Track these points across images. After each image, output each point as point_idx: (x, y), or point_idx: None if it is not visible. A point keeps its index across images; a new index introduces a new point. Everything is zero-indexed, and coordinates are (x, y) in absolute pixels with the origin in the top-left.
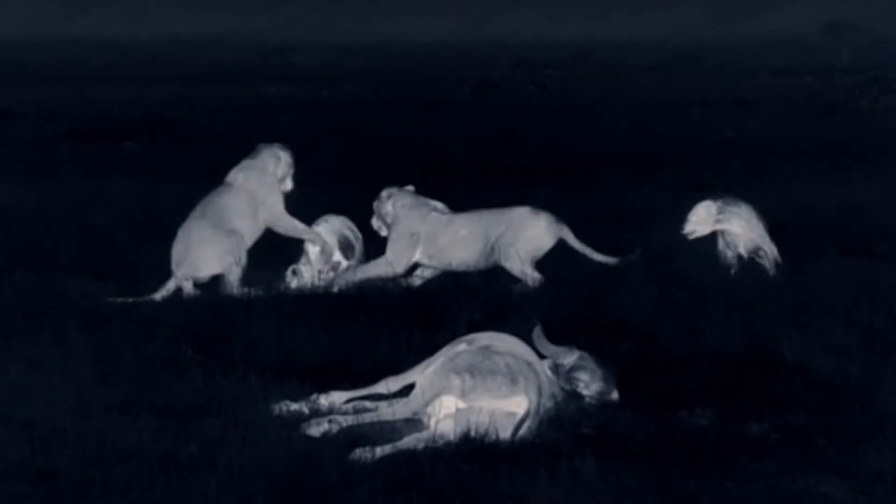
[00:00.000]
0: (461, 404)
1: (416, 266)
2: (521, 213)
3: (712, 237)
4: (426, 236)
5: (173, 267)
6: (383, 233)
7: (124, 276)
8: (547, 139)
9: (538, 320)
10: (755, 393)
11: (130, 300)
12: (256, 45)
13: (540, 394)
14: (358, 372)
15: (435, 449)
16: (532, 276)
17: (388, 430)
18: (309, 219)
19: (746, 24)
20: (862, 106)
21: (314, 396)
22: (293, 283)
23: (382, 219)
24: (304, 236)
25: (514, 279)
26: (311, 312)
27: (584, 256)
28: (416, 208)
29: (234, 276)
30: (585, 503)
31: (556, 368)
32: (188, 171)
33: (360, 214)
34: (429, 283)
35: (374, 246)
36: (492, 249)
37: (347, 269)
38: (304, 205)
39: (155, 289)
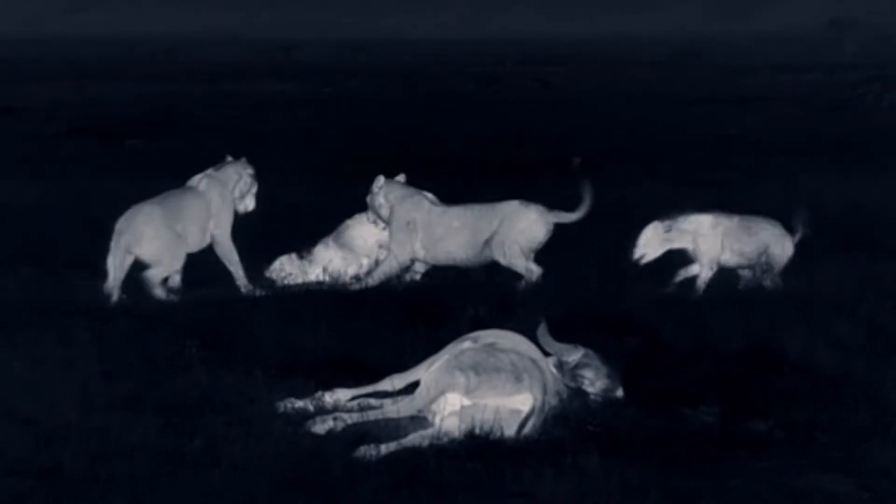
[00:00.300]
0: (466, 402)
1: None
2: (513, 207)
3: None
4: (422, 224)
5: (113, 238)
6: (380, 226)
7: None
8: (549, 135)
9: (543, 318)
10: (759, 390)
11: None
12: (260, 41)
13: (545, 391)
14: (362, 369)
15: (440, 446)
16: (534, 270)
17: (393, 428)
18: (315, 216)
19: (749, 20)
20: (866, 102)
21: (319, 394)
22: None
23: (377, 212)
24: (233, 268)
25: (516, 276)
26: (316, 309)
27: (586, 254)
28: (409, 197)
29: (160, 271)
30: (590, 499)
31: (560, 366)
32: (191, 167)
33: (362, 210)
34: (433, 280)
35: None
36: (484, 244)
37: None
38: (306, 202)
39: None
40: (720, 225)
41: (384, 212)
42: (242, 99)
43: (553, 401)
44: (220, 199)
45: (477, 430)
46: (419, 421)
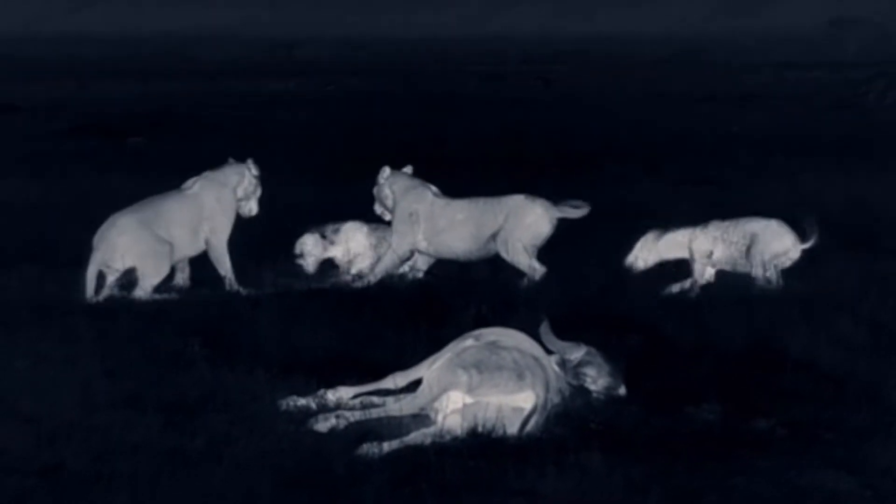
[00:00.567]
0: (468, 399)
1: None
2: (518, 201)
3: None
4: (425, 216)
5: (93, 251)
6: (387, 217)
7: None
8: (552, 133)
9: (545, 315)
10: (761, 388)
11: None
12: (262, 39)
13: (547, 389)
14: (365, 367)
15: (442, 444)
16: (537, 268)
17: (396, 426)
18: (316, 215)
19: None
20: (869, 101)
21: (321, 391)
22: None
23: (383, 203)
24: (222, 272)
25: (519, 273)
26: (318, 307)
27: (589, 252)
28: (413, 189)
29: (148, 281)
30: (592, 497)
31: (563, 364)
32: (193, 165)
33: (365, 208)
34: (435, 278)
35: None
36: (487, 238)
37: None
38: (307, 200)
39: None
40: (710, 226)
41: (389, 203)
42: (244, 97)
43: (555, 399)
44: (217, 201)
45: (479, 428)
46: (421, 419)
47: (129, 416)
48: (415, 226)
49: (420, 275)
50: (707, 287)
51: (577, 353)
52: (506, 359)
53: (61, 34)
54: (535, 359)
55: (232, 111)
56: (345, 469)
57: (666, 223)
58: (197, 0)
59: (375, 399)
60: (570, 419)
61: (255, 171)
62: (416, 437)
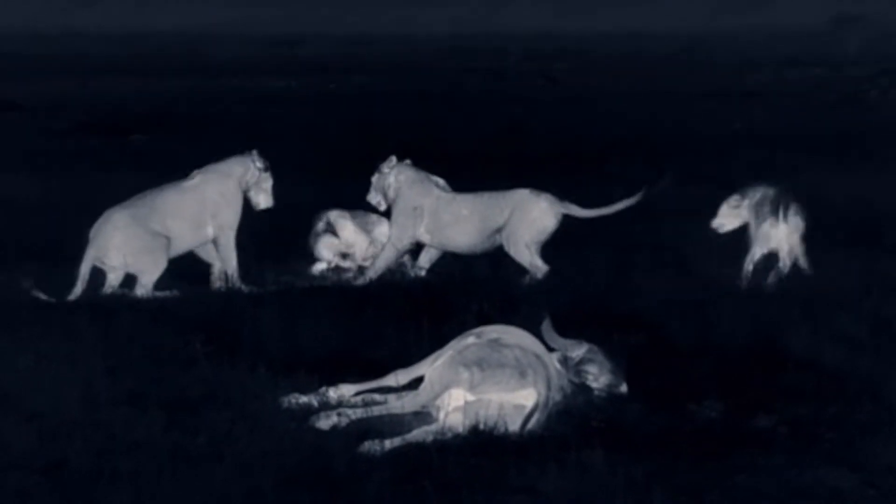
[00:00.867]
0: (470, 397)
1: (419, 247)
2: (523, 196)
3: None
4: (429, 211)
5: (88, 246)
6: (382, 207)
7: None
8: (555, 131)
9: (547, 313)
10: (763, 385)
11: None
12: (263, 37)
13: (549, 387)
14: (367, 364)
15: (444, 442)
16: (540, 267)
17: (398, 423)
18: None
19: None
20: (871, 98)
21: (323, 389)
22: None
23: (383, 192)
24: (228, 270)
25: (521, 270)
26: (320, 305)
27: (591, 249)
28: (420, 183)
29: (147, 277)
30: (594, 495)
31: (564, 361)
32: (195, 163)
33: (366, 206)
34: (437, 275)
35: None
36: (492, 232)
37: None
38: (310, 197)
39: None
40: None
41: (391, 193)
42: (246, 95)
43: (557, 396)
44: (220, 195)
45: (481, 426)
46: (423, 416)
47: (130, 414)
48: (417, 220)
49: (422, 273)
50: (711, 283)
51: (578, 350)
52: (507, 356)
53: (63, 32)
54: (537, 356)
55: (234, 109)
56: (346, 466)
57: (672, 216)
58: None
59: (377, 396)
60: (571, 417)
61: (259, 164)
62: (417, 434)
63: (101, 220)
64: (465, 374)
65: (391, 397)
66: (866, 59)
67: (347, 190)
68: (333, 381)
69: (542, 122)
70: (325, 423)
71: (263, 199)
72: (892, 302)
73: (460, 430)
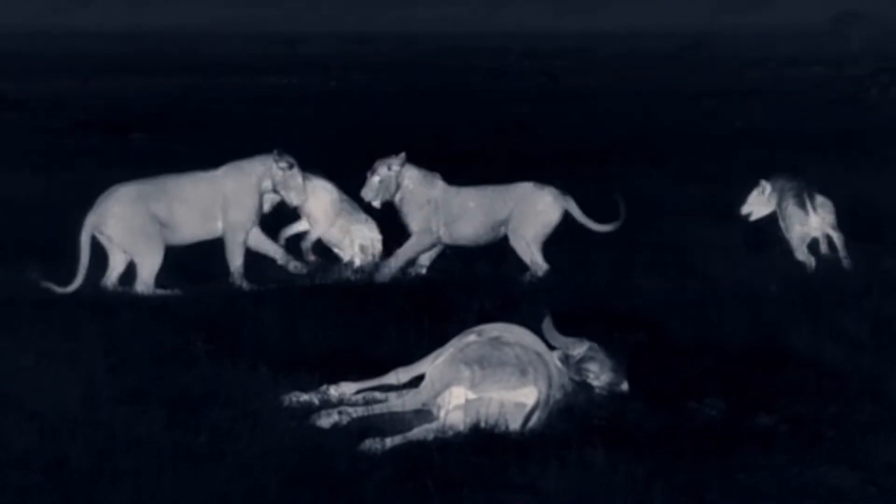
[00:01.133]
0: (471, 395)
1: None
2: (527, 189)
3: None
4: (441, 203)
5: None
6: (376, 203)
7: (131, 266)
8: (556, 128)
9: (548, 311)
10: (764, 384)
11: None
12: (264, 35)
13: (549, 385)
14: (368, 362)
15: (445, 440)
16: (541, 265)
17: (398, 421)
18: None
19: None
20: (872, 96)
21: (324, 387)
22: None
23: (386, 189)
24: (232, 268)
25: (521, 268)
26: (321, 303)
27: (592, 247)
28: (425, 177)
29: (144, 268)
30: (595, 493)
31: (565, 359)
32: (196, 161)
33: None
34: (438, 274)
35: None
36: (497, 225)
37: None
38: None
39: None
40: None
41: (391, 189)
42: (247, 93)
43: (558, 394)
44: (233, 192)
45: (482, 424)
46: (424, 414)
47: (131, 413)
48: (434, 212)
49: (423, 271)
50: (712, 281)
51: (579, 348)
52: (508, 354)
53: (64, 30)
54: (538, 354)
55: (234, 107)
56: (347, 465)
57: (673, 214)
58: None
59: (378, 395)
60: (572, 415)
61: (282, 163)
62: (418, 432)
63: (107, 192)
64: (466, 373)
65: (392, 395)
66: (867, 57)
67: (348, 188)
68: (334, 380)
69: (542, 120)
70: (325, 421)
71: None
72: (892, 301)
73: (461, 428)
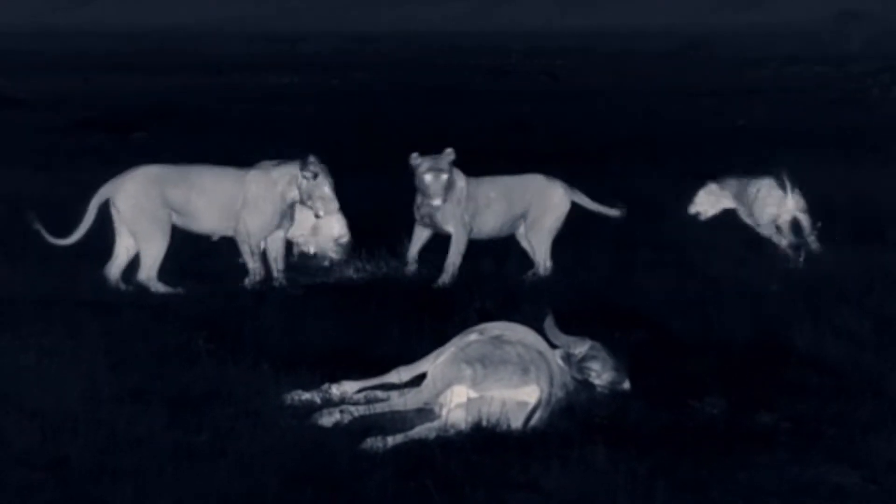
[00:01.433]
0: (473, 394)
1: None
2: (540, 182)
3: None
4: (468, 195)
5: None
6: (441, 203)
7: (133, 264)
8: (557, 127)
9: (549, 310)
10: (766, 382)
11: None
12: (266, 33)
13: (551, 383)
14: (369, 361)
15: (446, 438)
16: (548, 263)
17: (400, 420)
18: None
19: (757, 12)
20: (872, 95)
21: (325, 386)
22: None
23: (444, 190)
24: (249, 263)
25: (523, 268)
26: (323, 302)
27: (594, 246)
28: (457, 171)
29: (147, 255)
30: (596, 492)
31: (567, 358)
32: (198, 160)
33: (369, 203)
34: (439, 272)
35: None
36: (517, 216)
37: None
38: None
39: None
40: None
41: (446, 185)
42: (249, 91)
43: (560, 393)
44: (256, 194)
45: (483, 423)
46: (426, 413)
47: (133, 411)
48: (465, 205)
49: (414, 267)
50: (713, 280)
51: (581, 347)
52: (510, 353)
53: (66, 28)
54: (540, 353)
55: (236, 106)
56: (349, 463)
57: (674, 213)
58: None
59: (380, 393)
60: (574, 413)
61: (307, 172)
62: (420, 431)
63: (132, 168)
64: (467, 371)
65: (394, 394)
66: (868, 56)
67: (349, 186)
68: (336, 378)
69: (543, 119)
70: (327, 420)
71: (321, 206)
72: (893, 299)
73: (463, 426)
